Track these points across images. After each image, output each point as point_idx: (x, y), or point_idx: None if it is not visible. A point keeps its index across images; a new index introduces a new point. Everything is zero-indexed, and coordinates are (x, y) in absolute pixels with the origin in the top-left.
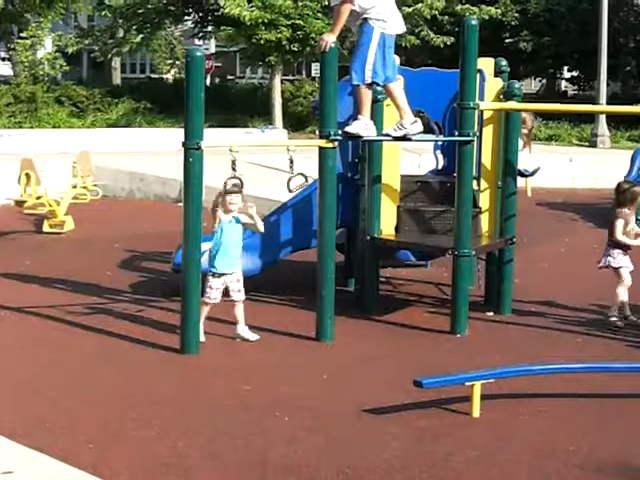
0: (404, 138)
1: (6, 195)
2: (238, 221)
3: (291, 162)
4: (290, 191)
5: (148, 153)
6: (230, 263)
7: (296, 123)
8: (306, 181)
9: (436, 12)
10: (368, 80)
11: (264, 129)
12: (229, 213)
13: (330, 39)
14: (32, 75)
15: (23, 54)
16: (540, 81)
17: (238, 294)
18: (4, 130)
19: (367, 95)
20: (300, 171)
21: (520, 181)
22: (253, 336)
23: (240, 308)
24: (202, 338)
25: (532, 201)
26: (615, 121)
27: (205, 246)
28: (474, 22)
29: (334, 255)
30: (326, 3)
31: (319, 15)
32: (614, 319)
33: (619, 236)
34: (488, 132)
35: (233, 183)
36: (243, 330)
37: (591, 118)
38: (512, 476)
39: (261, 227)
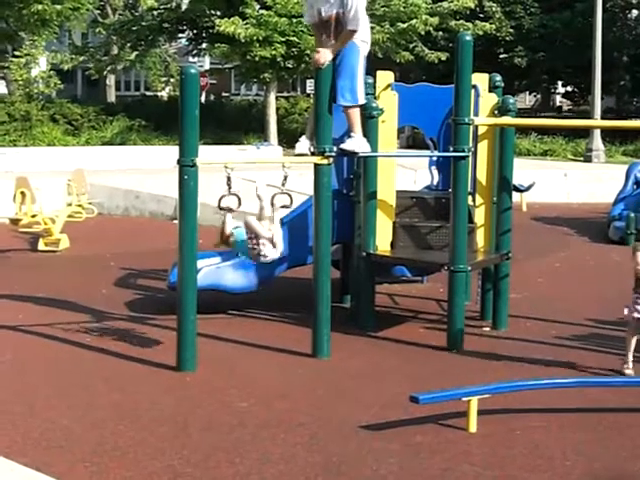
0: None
1: (1, 213)
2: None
3: (284, 179)
4: (274, 209)
5: (143, 171)
6: None
7: (291, 140)
8: (290, 202)
9: (430, 28)
10: (362, 102)
11: (259, 146)
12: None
13: (328, 57)
14: (26, 93)
15: (17, 72)
16: (535, 96)
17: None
18: None
19: (357, 113)
20: (286, 190)
21: (515, 196)
22: None
23: None
24: None
25: (527, 216)
26: (610, 136)
27: (201, 263)
28: (468, 38)
29: (330, 271)
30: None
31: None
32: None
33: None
34: (483, 147)
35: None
36: None
37: (586, 133)
38: None
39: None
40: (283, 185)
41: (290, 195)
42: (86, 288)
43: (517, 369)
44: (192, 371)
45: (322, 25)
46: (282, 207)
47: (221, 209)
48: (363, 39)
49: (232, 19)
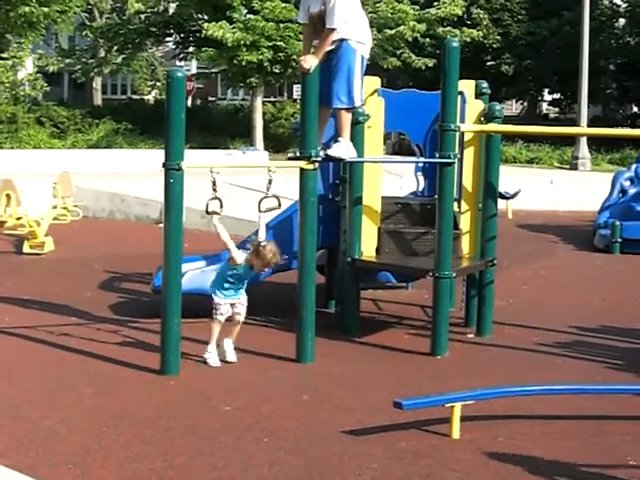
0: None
1: None
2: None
3: (269, 183)
4: (259, 211)
5: (129, 174)
6: (236, 294)
7: (277, 145)
8: (279, 205)
9: (418, 34)
10: (358, 104)
11: (245, 150)
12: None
13: (313, 62)
14: (13, 96)
15: (4, 75)
16: (522, 104)
17: (240, 316)
18: None
19: (349, 118)
20: (275, 193)
21: (501, 203)
22: (233, 357)
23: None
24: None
25: (513, 223)
26: (596, 144)
27: (185, 267)
28: (455, 44)
29: (314, 276)
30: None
31: (301, 37)
32: None
33: None
34: (469, 154)
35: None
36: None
37: (572, 141)
38: None
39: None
40: (268, 189)
41: (278, 198)
42: (71, 291)
43: (500, 376)
44: (176, 375)
45: (311, 24)
46: (270, 210)
47: (208, 213)
48: (359, 40)
49: (219, 23)
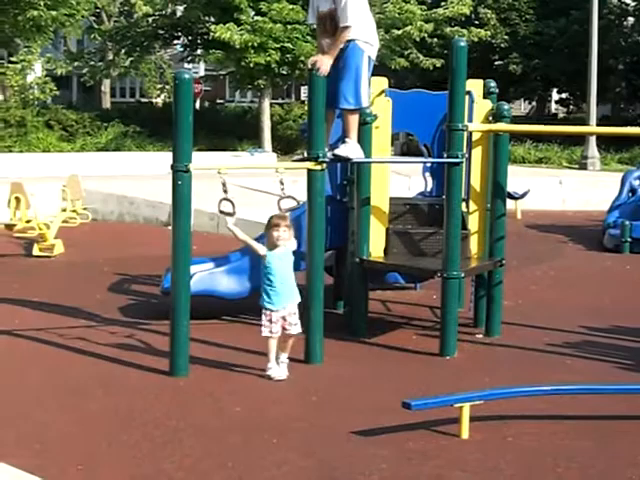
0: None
1: None
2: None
3: (281, 183)
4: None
5: (138, 177)
6: (285, 298)
7: (285, 146)
8: (297, 204)
9: (425, 35)
10: (365, 105)
11: (253, 152)
12: (275, 248)
13: (328, 63)
14: (22, 99)
15: (13, 78)
16: (530, 103)
17: (294, 327)
18: None
19: (356, 118)
20: (289, 194)
21: (510, 204)
22: (279, 375)
23: (290, 342)
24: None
25: (522, 223)
26: (605, 143)
27: (194, 269)
28: (463, 44)
29: (323, 277)
30: (314, 27)
31: (308, 38)
32: None
33: None
34: (477, 154)
35: (278, 215)
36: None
37: (581, 140)
38: None
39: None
40: (282, 190)
41: (294, 197)
42: (80, 293)
43: (509, 376)
44: (185, 376)
45: (321, 23)
46: (290, 210)
47: (221, 212)
48: (366, 40)
49: (227, 25)
